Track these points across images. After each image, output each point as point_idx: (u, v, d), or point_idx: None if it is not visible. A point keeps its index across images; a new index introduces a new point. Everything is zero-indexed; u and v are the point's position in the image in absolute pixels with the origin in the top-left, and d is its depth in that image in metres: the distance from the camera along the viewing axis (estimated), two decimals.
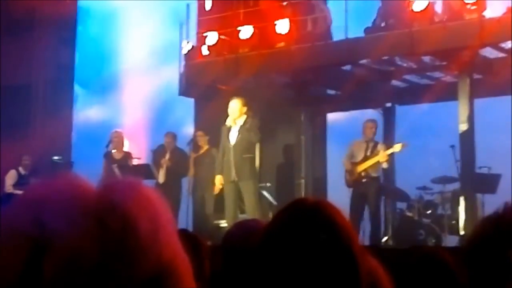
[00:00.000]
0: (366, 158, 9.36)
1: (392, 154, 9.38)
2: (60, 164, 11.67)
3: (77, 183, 0.98)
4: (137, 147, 11.61)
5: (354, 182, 9.44)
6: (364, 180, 9.33)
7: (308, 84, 10.56)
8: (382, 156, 9.21)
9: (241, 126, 8.70)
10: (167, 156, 10.64)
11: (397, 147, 9.31)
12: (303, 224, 1.39)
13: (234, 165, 8.65)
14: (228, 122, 8.77)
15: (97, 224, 0.92)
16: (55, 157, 11.78)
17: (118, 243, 0.91)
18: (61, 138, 13.15)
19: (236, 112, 8.71)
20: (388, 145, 9.49)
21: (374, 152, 9.34)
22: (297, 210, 1.44)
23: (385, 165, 9.37)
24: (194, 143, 11.12)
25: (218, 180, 8.96)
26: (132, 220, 0.93)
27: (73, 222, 0.92)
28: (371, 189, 9.29)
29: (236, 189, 8.81)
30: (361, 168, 9.37)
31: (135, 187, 0.99)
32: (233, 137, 8.77)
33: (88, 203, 0.94)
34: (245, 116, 8.71)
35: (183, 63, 11.11)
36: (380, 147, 9.40)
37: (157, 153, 10.81)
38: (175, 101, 11.52)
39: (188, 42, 10.89)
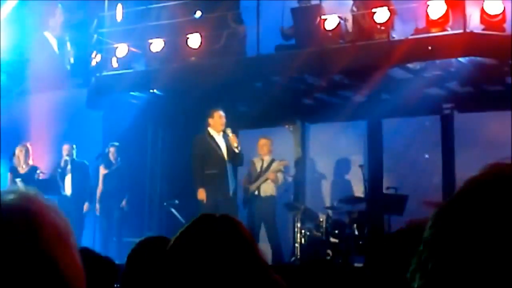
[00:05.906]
0: (259, 176, 9.21)
1: (279, 171, 9.28)
2: None
3: None
4: (43, 161, 11.22)
5: (248, 201, 9.26)
6: (258, 199, 9.16)
7: (220, 99, 10.36)
8: (269, 174, 9.12)
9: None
10: (68, 168, 10.54)
11: (277, 165, 9.25)
12: (210, 233, 1.55)
13: None
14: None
15: None
16: None
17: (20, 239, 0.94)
18: None
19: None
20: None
21: (268, 170, 9.20)
22: (203, 223, 1.60)
23: (275, 183, 9.23)
24: (104, 158, 10.81)
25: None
26: (36, 222, 0.96)
27: None
28: (266, 209, 9.11)
29: None
30: (254, 186, 9.20)
31: (38, 198, 1.02)
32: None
33: None
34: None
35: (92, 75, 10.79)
36: (274, 164, 9.27)
37: (60, 166, 10.65)
38: (82, 113, 11.18)
39: (97, 54, 10.55)
